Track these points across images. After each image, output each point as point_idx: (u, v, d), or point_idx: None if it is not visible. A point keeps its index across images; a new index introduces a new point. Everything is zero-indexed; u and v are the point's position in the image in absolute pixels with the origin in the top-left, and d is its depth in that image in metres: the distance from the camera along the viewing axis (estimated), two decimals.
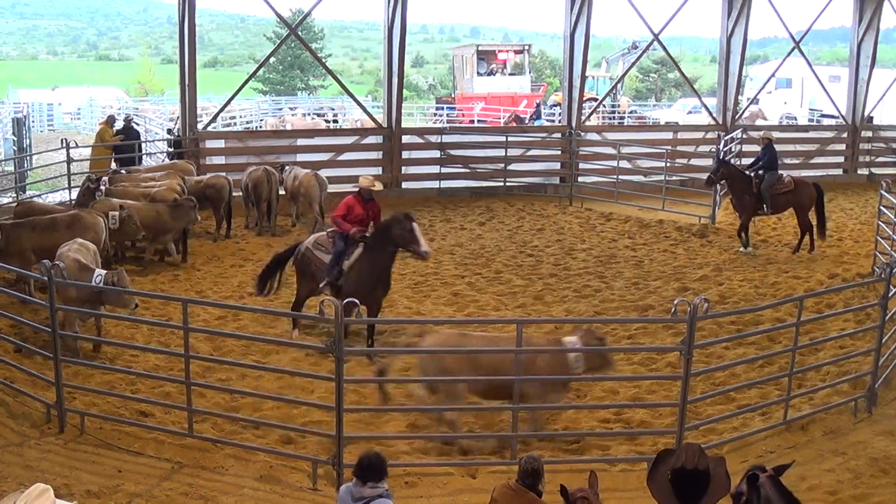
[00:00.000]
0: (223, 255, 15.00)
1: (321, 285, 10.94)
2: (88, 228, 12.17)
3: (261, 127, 32.38)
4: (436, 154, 20.51)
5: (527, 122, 32.75)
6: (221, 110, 23.01)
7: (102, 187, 14.89)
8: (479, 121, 34.99)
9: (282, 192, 17.02)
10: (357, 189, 11.45)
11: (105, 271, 10.07)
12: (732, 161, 18.38)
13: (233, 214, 16.34)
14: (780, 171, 16.36)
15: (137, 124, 25.99)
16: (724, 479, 4.32)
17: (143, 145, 21.36)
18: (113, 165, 18.51)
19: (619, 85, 38.00)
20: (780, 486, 4.56)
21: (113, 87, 50.41)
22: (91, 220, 12.34)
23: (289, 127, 29.15)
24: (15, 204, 15.00)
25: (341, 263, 10.77)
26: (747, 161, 22.01)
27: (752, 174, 16.19)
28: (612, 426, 9.00)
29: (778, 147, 23.56)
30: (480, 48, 40.09)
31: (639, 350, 10.84)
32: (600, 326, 11.48)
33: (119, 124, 20.28)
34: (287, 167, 17.20)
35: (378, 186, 11.62)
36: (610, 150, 20.32)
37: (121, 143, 19.06)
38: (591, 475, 5.22)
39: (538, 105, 35.80)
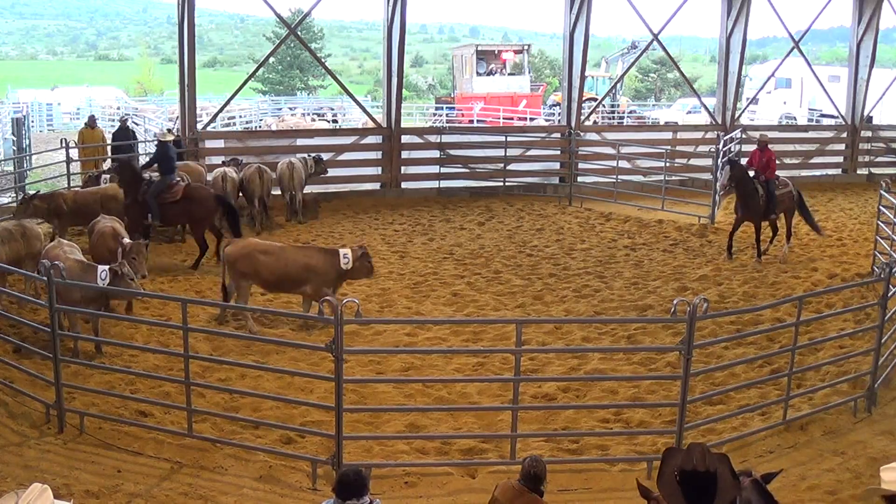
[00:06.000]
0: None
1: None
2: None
3: (260, 127, 32.40)
4: (435, 154, 20.51)
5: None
6: (221, 110, 22.99)
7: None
8: (478, 121, 34.99)
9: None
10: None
11: (107, 266, 10.09)
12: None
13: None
14: (177, 177, 14.46)
15: (137, 124, 26.07)
16: (730, 479, 4.31)
17: (143, 145, 21.35)
18: (109, 165, 18.51)
19: (618, 85, 38.00)
20: (762, 490, 4.55)
21: (112, 87, 50.36)
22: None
23: (274, 127, 29.13)
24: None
25: None
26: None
27: (148, 175, 14.42)
28: (612, 426, 9.00)
29: (777, 147, 23.81)
30: (480, 48, 40.06)
31: (638, 350, 10.85)
32: (600, 326, 11.54)
33: (102, 124, 20.29)
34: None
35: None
36: (609, 150, 20.32)
37: (111, 143, 19.13)
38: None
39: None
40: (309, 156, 18.12)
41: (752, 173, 15.20)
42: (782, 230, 15.51)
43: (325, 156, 19.67)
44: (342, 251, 11.51)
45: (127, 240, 11.33)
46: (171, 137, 15.24)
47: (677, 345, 8.40)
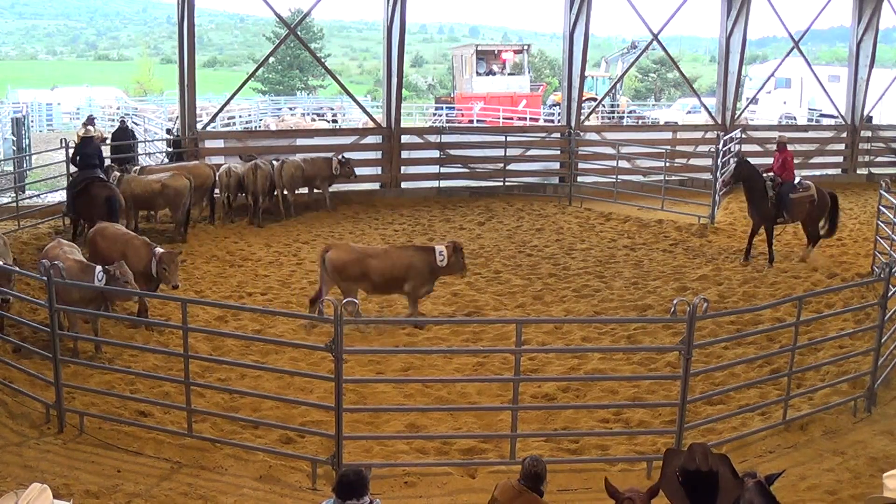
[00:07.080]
0: (222, 255, 15.00)
1: None
2: None
3: (260, 127, 32.41)
4: (435, 154, 20.51)
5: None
6: (221, 110, 22.98)
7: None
8: (478, 121, 35.00)
9: None
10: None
11: (102, 266, 10.08)
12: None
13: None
14: (97, 172, 14.51)
15: (137, 124, 26.08)
16: (731, 479, 4.33)
17: (142, 145, 21.38)
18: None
19: (618, 85, 38.01)
20: (765, 492, 4.55)
21: (112, 87, 50.42)
22: None
23: (274, 127, 29.18)
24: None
25: None
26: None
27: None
28: (612, 426, 9.00)
29: None
30: (480, 48, 40.05)
31: (638, 350, 10.84)
32: (600, 326, 11.54)
33: (101, 124, 20.36)
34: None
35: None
36: (609, 150, 20.32)
37: (110, 143, 19.21)
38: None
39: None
40: (336, 156, 18.24)
41: (771, 174, 15.08)
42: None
43: (325, 156, 19.71)
44: (437, 248, 11.66)
45: (159, 249, 11.30)
46: (93, 133, 15.50)
47: (677, 345, 8.40)
